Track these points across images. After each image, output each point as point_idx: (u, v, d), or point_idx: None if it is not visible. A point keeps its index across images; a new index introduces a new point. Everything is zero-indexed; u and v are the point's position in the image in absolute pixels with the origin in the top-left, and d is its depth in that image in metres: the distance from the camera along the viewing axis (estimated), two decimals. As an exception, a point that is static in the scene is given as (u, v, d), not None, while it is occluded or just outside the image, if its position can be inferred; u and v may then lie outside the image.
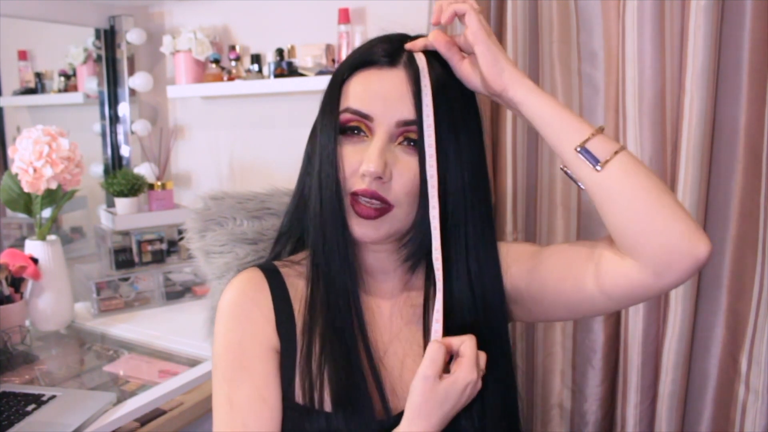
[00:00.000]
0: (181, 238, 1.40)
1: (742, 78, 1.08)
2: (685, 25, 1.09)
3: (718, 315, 1.16)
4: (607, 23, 1.19)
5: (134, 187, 1.70)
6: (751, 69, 1.07)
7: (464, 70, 0.73)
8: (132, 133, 1.94)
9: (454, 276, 0.74)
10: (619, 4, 1.15)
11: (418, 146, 0.71)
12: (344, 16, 1.55)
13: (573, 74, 1.25)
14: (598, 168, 0.67)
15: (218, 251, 0.90)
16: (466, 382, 0.66)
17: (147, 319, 1.59)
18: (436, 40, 0.73)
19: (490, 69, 0.70)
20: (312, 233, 0.77)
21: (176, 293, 1.71)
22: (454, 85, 0.74)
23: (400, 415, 0.68)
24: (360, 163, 0.70)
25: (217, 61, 1.76)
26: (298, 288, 0.78)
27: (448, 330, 0.71)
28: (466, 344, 0.68)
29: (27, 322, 1.44)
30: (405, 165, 0.71)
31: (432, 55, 0.73)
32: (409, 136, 0.71)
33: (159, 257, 1.72)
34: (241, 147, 1.88)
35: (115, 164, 1.96)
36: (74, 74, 1.97)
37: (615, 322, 1.25)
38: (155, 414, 1.16)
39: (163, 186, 1.78)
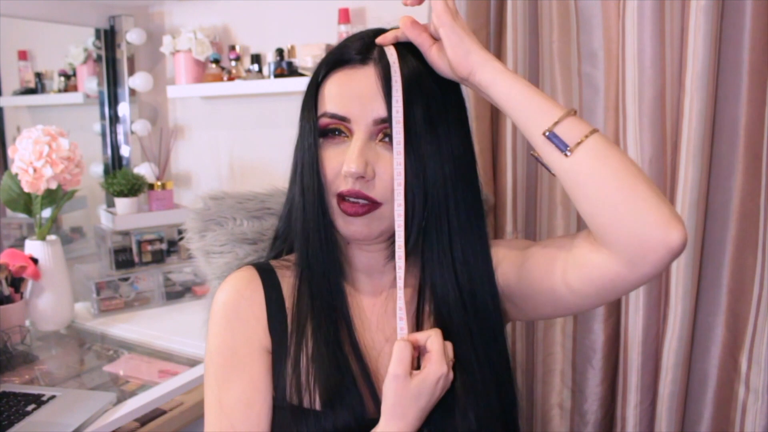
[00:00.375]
0: (181, 238, 1.40)
1: (742, 78, 1.08)
2: (685, 25, 1.09)
3: (718, 315, 1.16)
4: (607, 23, 1.19)
5: (134, 187, 1.70)
6: (751, 69, 1.07)
7: (432, 56, 0.71)
8: (132, 133, 1.95)
9: (436, 264, 0.74)
10: (619, 4, 1.15)
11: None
12: (344, 16, 1.56)
13: (573, 74, 1.25)
14: (567, 153, 0.64)
15: (218, 251, 0.90)
16: (437, 376, 0.66)
17: (147, 319, 1.59)
18: (405, 28, 0.71)
19: (455, 51, 0.68)
20: (297, 236, 0.77)
21: (176, 293, 1.71)
22: (430, 75, 0.72)
23: None
24: (342, 164, 0.70)
25: (217, 61, 1.76)
26: (292, 287, 0.78)
27: (444, 327, 0.71)
28: (432, 339, 0.68)
29: (27, 322, 1.44)
30: (387, 162, 0.71)
31: (405, 47, 0.72)
32: (388, 132, 0.71)
33: (159, 257, 1.72)
34: (241, 147, 1.88)
35: (115, 164, 1.96)
36: (74, 74, 1.97)
37: (615, 322, 1.24)
38: (155, 414, 1.16)
39: (163, 186, 1.78)
